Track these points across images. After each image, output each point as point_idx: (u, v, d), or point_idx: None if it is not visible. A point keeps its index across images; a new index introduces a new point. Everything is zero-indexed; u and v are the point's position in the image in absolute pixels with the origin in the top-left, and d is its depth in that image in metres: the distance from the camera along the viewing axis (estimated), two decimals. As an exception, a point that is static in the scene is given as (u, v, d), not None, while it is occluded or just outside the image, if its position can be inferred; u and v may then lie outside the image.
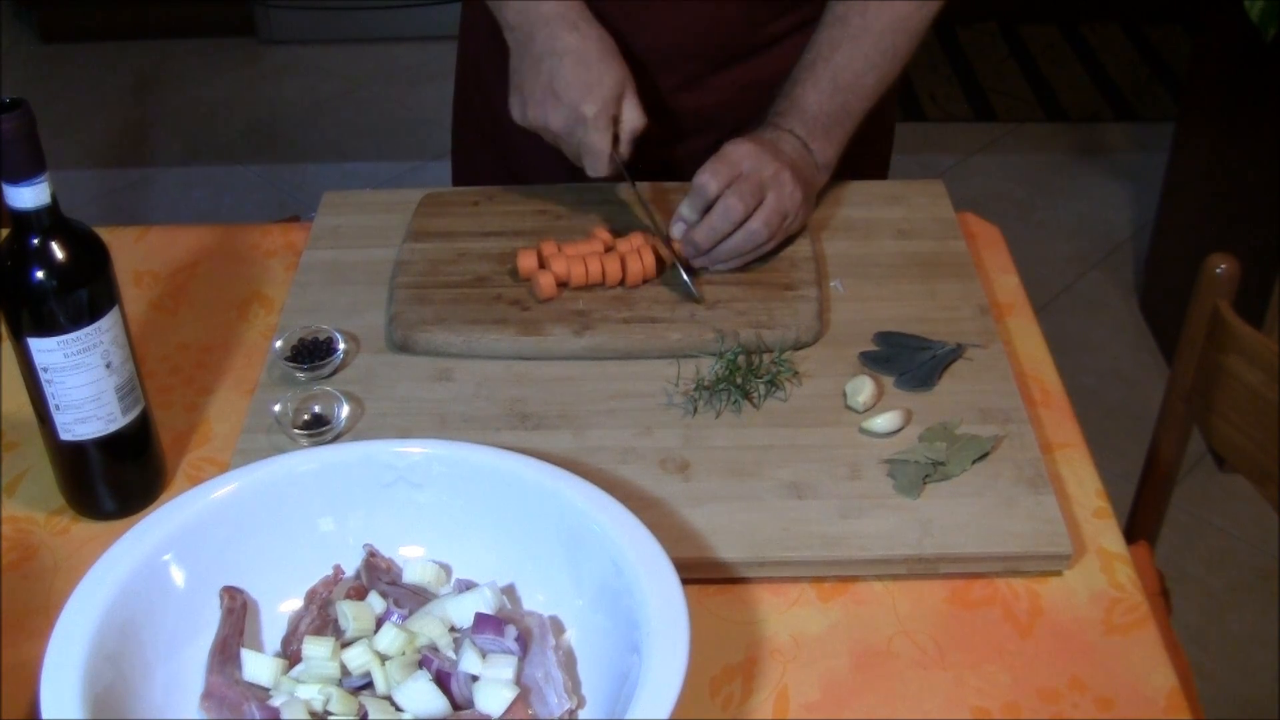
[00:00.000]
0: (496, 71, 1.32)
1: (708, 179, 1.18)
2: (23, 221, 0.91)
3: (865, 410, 1.10)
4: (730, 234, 1.19)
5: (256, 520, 0.93)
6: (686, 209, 1.20)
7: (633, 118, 1.22)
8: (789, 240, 1.25)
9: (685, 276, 1.19)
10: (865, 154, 1.34)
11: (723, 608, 0.97)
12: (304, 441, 1.07)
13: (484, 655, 0.87)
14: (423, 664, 0.87)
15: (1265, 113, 2.24)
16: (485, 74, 1.43)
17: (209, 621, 0.90)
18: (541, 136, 1.25)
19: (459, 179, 1.56)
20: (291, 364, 1.14)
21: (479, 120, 1.48)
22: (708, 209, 1.19)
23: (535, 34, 1.22)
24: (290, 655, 0.90)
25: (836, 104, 1.25)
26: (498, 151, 1.46)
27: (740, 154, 1.20)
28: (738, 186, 1.18)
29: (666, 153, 1.35)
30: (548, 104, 1.21)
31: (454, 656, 0.88)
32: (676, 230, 1.21)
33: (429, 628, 0.89)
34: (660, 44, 1.32)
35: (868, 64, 1.26)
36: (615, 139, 1.22)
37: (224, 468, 1.07)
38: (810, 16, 1.32)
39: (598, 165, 1.21)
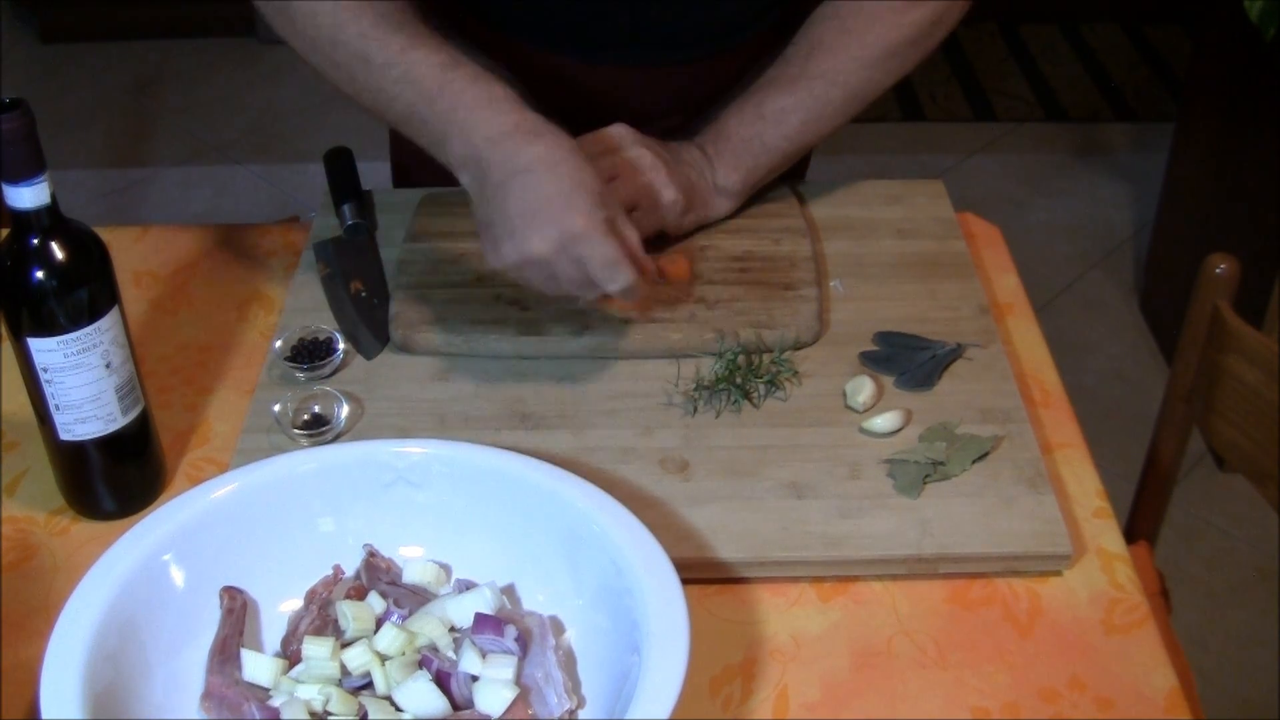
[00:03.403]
0: None
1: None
2: (23, 221, 0.91)
3: (865, 410, 1.10)
4: None
5: (256, 520, 0.93)
6: None
7: (628, 231, 1.05)
8: (778, 237, 1.25)
9: None
10: None
11: (723, 608, 0.97)
12: (304, 441, 1.07)
13: (484, 655, 0.87)
14: (423, 664, 0.87)
15: (1265, 113, 2.24)
16: None
17: (209, 621, 0.90)
18: (532, 280, 1.05)
19: (399, 180, 1.50)
20: (291, 364, 1.14)
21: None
22: None
23: (489, 159, 1.03)
24: (290, 655, 0.90)
25: (753, 131, 1.22)
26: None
27: (610, 134, 1.18)
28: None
29: None
30: (526, 228, 1.00)
31: (454, 656, 0.88)
32: None
33: (429, 628, 0.89)
34: (651, 104, 1.30)
35: (797, 103, 1.22)
36: None
37: (224, 468, 1.07)
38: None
39: (616, 274, 1.02)
